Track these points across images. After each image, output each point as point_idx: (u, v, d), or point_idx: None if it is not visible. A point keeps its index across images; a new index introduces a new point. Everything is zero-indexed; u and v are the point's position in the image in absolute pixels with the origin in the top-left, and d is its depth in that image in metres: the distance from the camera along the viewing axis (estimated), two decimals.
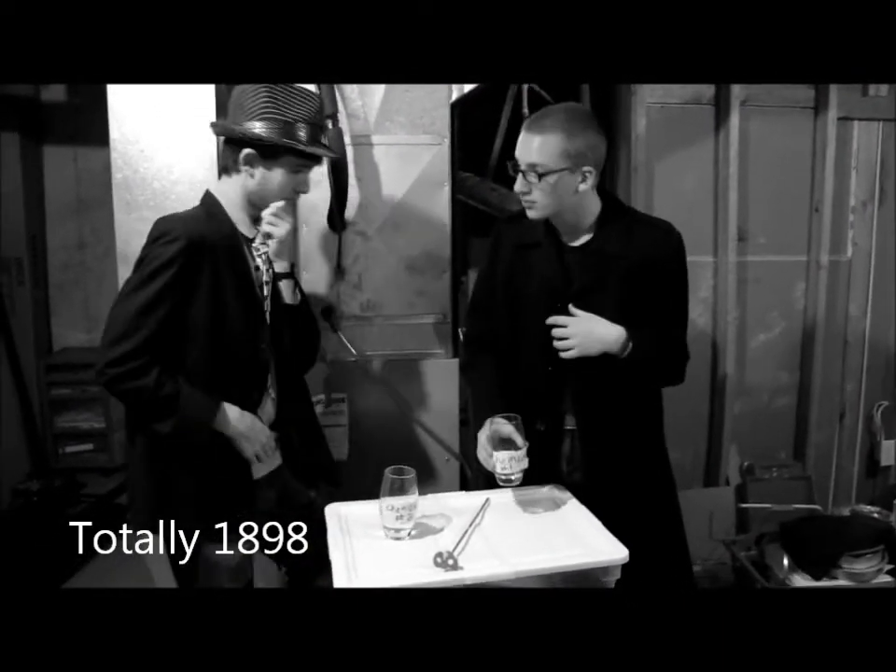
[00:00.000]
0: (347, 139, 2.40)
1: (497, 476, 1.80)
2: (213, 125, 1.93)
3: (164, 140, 2.31)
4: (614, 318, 1.87)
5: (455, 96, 2.52)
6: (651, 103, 3.25)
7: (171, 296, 1.75)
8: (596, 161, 1.86)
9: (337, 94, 2.38)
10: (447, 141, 2.51)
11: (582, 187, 1.86)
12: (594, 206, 1.93)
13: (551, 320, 1.88)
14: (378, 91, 2.45)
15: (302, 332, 2.01)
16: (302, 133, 1.82)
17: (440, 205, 2.52)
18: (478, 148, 3.25)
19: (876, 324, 3.57)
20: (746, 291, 3.44)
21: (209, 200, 1.89)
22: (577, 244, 1.96)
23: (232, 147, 1.85)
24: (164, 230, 1.78)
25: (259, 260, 1.91)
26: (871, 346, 3.60)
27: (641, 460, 2.02)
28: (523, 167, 1.84)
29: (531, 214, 1.90)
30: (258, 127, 1.80)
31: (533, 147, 1.82)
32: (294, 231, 1.93)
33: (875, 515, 3.05)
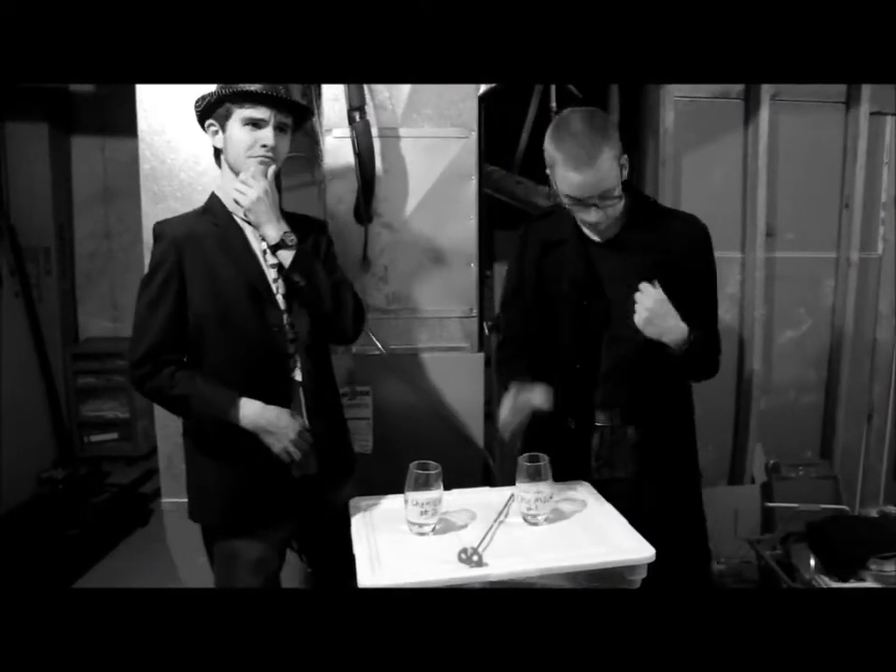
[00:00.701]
0: (374, 131, 2.39)
1: (522, 514, 1.78)
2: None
3: (191, 131, 2.30)
4: None
5: (482, 89, 2.50)
6: (680, 96, 3.21)
7: (169, 294, 1.79)
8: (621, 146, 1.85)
9: (364, 87, 2.37)
10: (474, 134, 2.48)
11: (624, 174, 1.85)
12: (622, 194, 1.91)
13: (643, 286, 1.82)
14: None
15: (319, 304, 1.86)
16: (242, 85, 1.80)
17: (466, 198, 2.50)
18: (504, 142, 3.23)
19: None
20: (773, 288, 3.40)
21: (211, 197, 1.92)
22: (603, 238, 1.94)
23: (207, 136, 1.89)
24: (155, 232, 1.86)
25: (265, 243, 1.86)
26: None
27: (670, 455, 2.01)
28: (595, 200, 1.79)
29: (607, 234, 1.90)
30: (201, 96, 1.84)
31: (597, 180, 1.76)
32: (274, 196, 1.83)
33: None
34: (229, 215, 1.87)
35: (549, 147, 1.83)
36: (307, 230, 1.93)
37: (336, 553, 1.86)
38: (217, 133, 1.85)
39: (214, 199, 1.90)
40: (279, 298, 1.86)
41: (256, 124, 1.80)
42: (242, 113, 1.80)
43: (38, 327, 4.43)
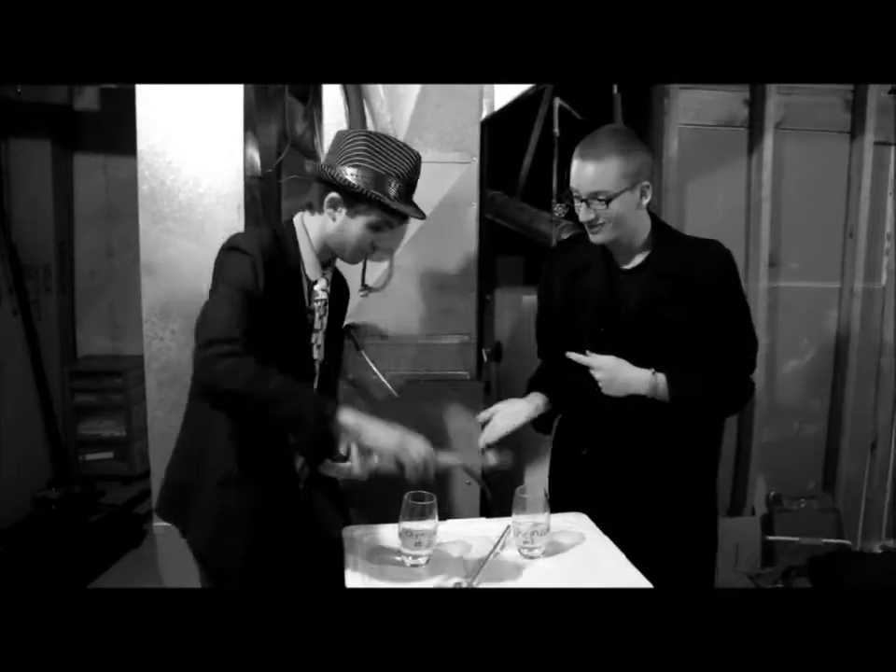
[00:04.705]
0: None
1: (518, 547, 1.74)
2: (308, 165, 1.83)
3: (191, 152, 2.31)
4: (670, 342, 1.88)
5: (485, 113, 2.49)
6: (684, 124, 3.20)
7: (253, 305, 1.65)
8: (649, 175, 1.86)
9: (366, 109, 2.36)
10: (476, 159, 2.47)
11: (644, 202, 1.86)
12: (645, 224, 1.92)
13: (584, 360, 1.89)
14: (408, 106, 2.43)
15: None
16: (392, 188, 1.71)
17: (467, 224, 2.48)
18: (507, 167, 3.22)
19: None
20: (777, 317, 3.38)
21: (288, 229, 1.81)
22: (630, 265, 1.94)
23: (321, 188, 1.76)
24: (242, 248, 1.69)
25: (315, 305, 1.83)
26: None
27: (682, 485, 1.99)
28: (584, 196, 1.82)
29: (598, 239, 1.88)
30: (348, 173, 1.70)
31: (594, 174, 1.80)
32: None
33: None
34: (298, 265, 1.78)
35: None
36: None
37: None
38: (337, 209, 1.74)
39: (290, 237, 1.79)
40: (317, 365, 1.87)
41: (381, 228, 1.76)
42: (380, 216, 1.73)
43: (37, 344, 4.40)
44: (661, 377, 1.87)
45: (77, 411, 4.74)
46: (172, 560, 2.39)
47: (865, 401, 3.50)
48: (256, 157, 2.54)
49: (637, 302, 1.90)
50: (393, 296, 2.47)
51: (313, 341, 1.85)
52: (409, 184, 1.75)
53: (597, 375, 1.88)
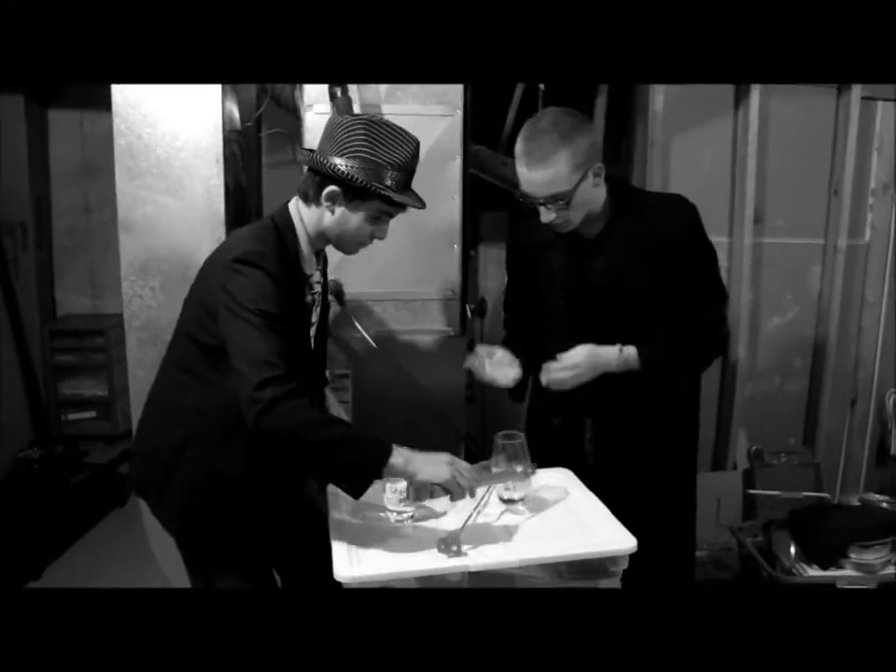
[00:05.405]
0: (357, 108, 2.32)
1: (499, 494, 1.75)
2: (300, 153, 1.74)
3: (168, 105, 2.25)
4: (641, 305, 1.87)
5: None
6: None
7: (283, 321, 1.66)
8: (598, 152, 1.82)
9: None
10: (460, 112, 2.43)
11: (597, 181, 1.82)
12: (602, 193, 1.89)
13: (557, 365, 1.89)
14: None
15: None
16: (393, 179, 1.64)
17: (451, 178, 2.44)
18: (491, 121, 3.17)
19: (892, 310, 3.51)
20: (760, 273, 3.38)
21: (286, 223, 1.74)
22: (592, 234, 1.91)
23: (316, 179, 1.69)
24: (259, 265, 1.62)
25: (309, 299, 1.79)
26: (885, 333, 3.54)
27: (659, 445, 2.02)
28: (542, 201, 1.78)
29: (564, 231, 1.86)
30: (346, 165, 1.63)
31: (544, 181, 1.75)
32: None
33: (884, 505, 3.01)
34: (298, 263, 1.74)
35: (517, 140, 1.80)
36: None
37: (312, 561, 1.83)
38: (336, 202, 1.68)
39: (290, 234, 1.73)
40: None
41: (380, 218, 1.72)
42: (381, 207, 1.68)
43: (15, 303, 4.34)
44: (629, 350, 1.87)
45: (58, 370, 4.69)
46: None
47: (847, 359, 3.52)
48: (234, 110, 2.48)
49: (604, 270, 1.89)
50: (376, 251, 2.43)
51: (311, 334, 1.83)
52: (409, 172, 1.70)
53: (572, 373, 1.87)
